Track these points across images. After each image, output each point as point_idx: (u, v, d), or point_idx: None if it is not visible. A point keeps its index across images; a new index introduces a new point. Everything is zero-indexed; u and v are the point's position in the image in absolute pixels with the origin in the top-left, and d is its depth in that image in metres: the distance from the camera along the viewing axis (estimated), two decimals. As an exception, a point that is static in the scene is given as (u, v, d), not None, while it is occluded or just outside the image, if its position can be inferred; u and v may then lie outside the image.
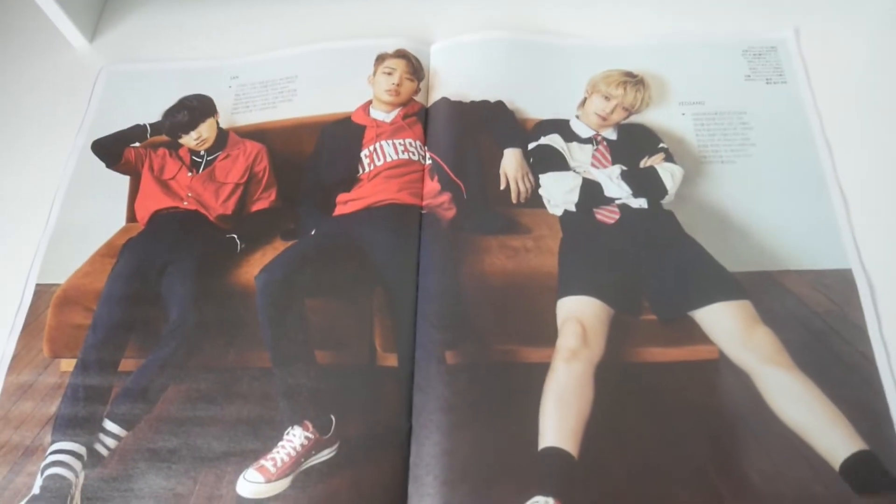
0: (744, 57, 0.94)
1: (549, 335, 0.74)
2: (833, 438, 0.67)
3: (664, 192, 0.84)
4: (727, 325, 0.74)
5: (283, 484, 0.69)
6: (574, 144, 0.88)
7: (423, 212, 0.84)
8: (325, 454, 0.71)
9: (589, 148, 0.88)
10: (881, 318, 0.75)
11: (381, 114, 0.91)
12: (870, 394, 0.70)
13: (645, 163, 0.86)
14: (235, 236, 0.86)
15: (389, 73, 0.93)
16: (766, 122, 0.89)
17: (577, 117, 0.90)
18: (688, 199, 0.84)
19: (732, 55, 0.94)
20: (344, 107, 0.93)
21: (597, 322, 0.75)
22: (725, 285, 0.77)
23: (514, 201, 0.86)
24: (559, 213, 0.84)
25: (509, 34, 0.96)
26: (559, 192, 0.85)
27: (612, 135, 0.89)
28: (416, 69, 0.94)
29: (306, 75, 0.97)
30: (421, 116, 0.91)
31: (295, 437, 0.72)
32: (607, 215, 0.83)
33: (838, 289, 0.77)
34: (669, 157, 0.86)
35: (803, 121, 0.88)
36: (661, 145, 0.87)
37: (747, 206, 0.83)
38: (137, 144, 0.93)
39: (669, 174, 0.84)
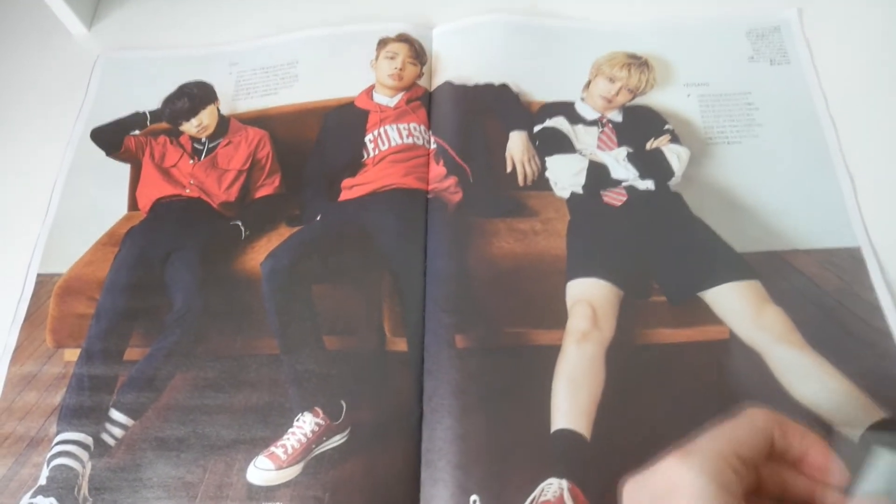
0: (747, 38, 0.93)
1: (559, 318, 0.74)
2: (850, 412, 0.66)
3: (671, 173, 0.83)
4: (737, 306, 0.74)
5: (295, 471, 0.69)
6: (579, 127, 0.88)
7: (430, 196, 0.83)
8: (337, 440, 0.71)
9: (594, 130, 0.88)
10: (894, 294, 0.74)
11: (384, 98, 0.91)
12: (887, 367, 0.70)
13: (651, 145, 0.86)
14: (240, 223, 0.86)
15: (392, 58, 0.92)
16: (771, 102, 0.88)
17: (582, 100, 0.90)
18: (694, 181, 0.83)
19: (736, 36, 0.94)
20: (346, 92, 0.92)
21: (606, 304, 0.75)
22: (734, 266, 0.76)
23: (521, 184, 0.85)
24: (566, 195, 0.84)
25: (512, 17, 0.95)
26: (566, 175, 0.84)
27: (617, 117, 0.89)
28: (418, 53, 0.93)
29: (307, 60, 0.96)
30: (424, 100, 0.90)
31: (305, 424, 0.71)
32: (615, 198, 0.83)
33: (848, 267, 0.77)
34: (675, 139, 0.85)
35: (808, 101, 0.88)
36: (666, 127, 0.86)
37: (754, 187, 0.83)
38: (137, 132, 0.92)
39: (676, 156, 0.84)
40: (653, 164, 0.84)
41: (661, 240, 0.80)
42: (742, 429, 0.43)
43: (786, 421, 0.44)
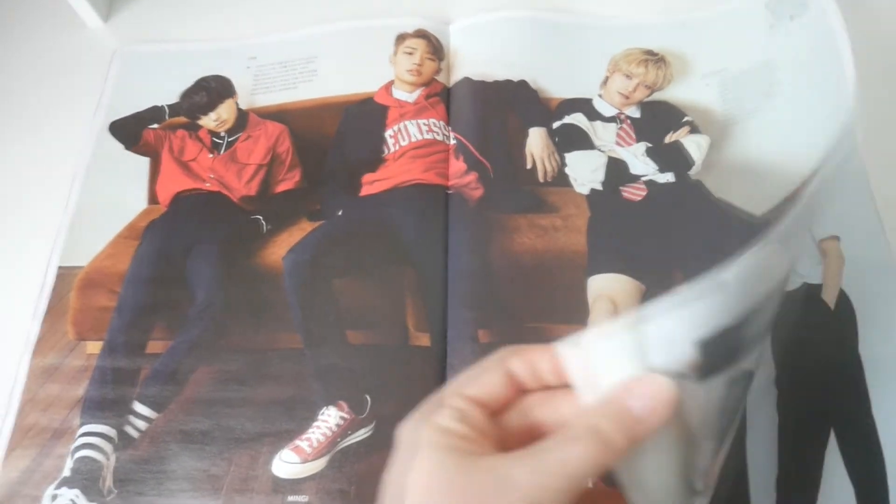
0: (766, 8, 0.91)
1: (580, 313, 0.75)
2: None
3: (691, 163, 0.83)
4: None
5: (320, 464, 0.69)
6: (598, 123, 0.88)
7: (450, 192, 0.84)
8: (362, 433, 0.71)
9: (613, 126, 0.88)
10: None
11: (403, 94, 0.91)
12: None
13: (670, 138, 0.86)
14: (260, 217, 0.86)
15: (410, 53, 0.92)
16: (791, 62, 0.86)
17: (600, 96, 0.90)
18: (715, 164, 0.83)
19: (754, 12, 0.91)
20: (365, 87, 0.92)
21: (628, 299, 0.75)
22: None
23: (541, 180, 0.85)
24: (586, 191, 0.84)
25: (528, 13, 0.96)
26: (585, 171, 0.85)
27: (635, 112, 0.89)
28: (436, 49, 0.93)
29: (326, 55, 0.96)
30: (443, 96, 0.91)
31: (330, 418, 0.72)
32: (634, 193, 0.83)
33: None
34: (695, 129, 0.86)
35: (830, 54, 0.85)
36: (684, 119, 0.87)
37: (776, 153, 0.82)
38: (156, 126, 0.92)
39: (696, 145, 0.84)
40: (672, 157, 0.84)
41: (682, 231, 0.80)
42: (472, 370, 0.40)
43: (526, 348, 0.39)
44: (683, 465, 0.37)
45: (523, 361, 0.38)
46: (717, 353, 0.34)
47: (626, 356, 0.34)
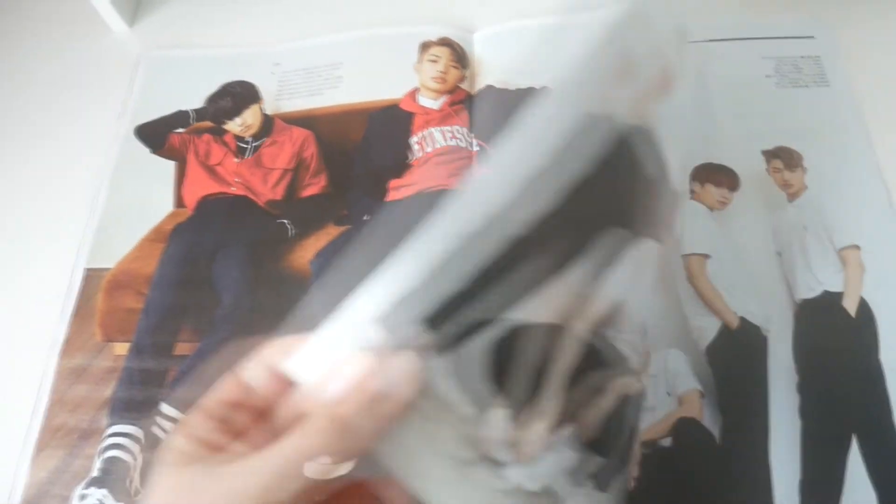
0: None
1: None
2: None
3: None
4: None
5: (348, 465, 0.70)
6: (621, 123, 0.89)
7: (474, 198, 0.85)
8: (390, 435, 0.72)
9: (637, 123, 0.89)
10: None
11: (428, 101, 0.92)
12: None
13: None
14: (286, 222, 0.87)
15: (435, 61, 0.94)
16: None
17: (623, 95, 0.91)
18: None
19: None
20: (390, 94, 0.93)
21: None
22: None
23: (564, 187, 0.86)
24: (606, 197, 0.85)
25: (550, 21, 0.97)
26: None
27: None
28: (460, 57, 0.94)
29: (351, 62, 0.97)
30: (467, 104, 0.92)
31: (357, 419, 0.72)
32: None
33: None
34: None
35: None
36: None
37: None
38: (181, 130, 0.93)
39: None
40: None
41: None
42: (235, 371, 0.38)
43: (284, 341, 0.37)
44: (462, 438, 0.35)
45: (283, 355, 0.37)
46: (445, 324, 0.33)
47: (347, 350, 0.33)
